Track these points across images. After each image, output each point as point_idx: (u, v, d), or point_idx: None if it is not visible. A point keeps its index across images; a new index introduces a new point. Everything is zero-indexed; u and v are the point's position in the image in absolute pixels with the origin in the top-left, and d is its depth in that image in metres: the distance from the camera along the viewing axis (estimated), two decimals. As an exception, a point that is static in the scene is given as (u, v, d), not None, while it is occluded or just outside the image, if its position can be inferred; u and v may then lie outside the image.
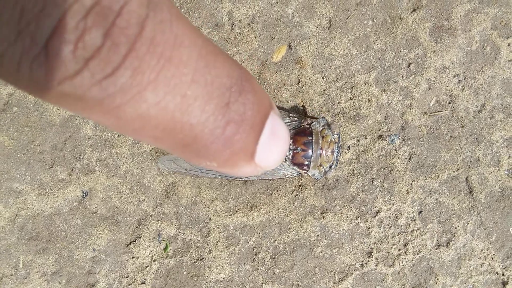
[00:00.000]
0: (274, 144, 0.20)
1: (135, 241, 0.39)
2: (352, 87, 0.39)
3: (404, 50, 0.39)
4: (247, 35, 0.39)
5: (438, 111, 0.40)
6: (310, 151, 0.35)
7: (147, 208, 0.40)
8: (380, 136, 0.39)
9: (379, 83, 0.39)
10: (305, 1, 0.39)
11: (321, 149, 0.36)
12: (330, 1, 0.39)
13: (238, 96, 0.17)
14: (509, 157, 0.40)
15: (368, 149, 0.39)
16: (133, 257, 0.39)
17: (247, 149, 0.19)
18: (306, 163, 0.36)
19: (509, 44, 0.40)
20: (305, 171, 0.36)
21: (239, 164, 0.19)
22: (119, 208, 0.40)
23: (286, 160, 0.36)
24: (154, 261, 0.39)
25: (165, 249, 0.38)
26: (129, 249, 0.39)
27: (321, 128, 0.35)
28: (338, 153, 0.36)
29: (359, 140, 0.39)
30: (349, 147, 0.39)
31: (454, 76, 0.39)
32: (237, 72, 0.17)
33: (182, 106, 0.16)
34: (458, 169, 0.39)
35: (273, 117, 0.18)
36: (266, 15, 0.39)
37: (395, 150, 0.39)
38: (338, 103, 0.39)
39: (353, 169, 0.39)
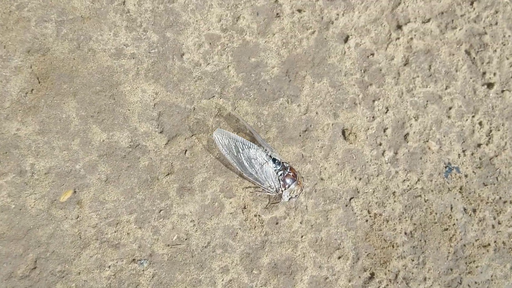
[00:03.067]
0: None
1: None
2: (117, 224, 0.57)
3: (158, 201, 0.58)
4: (43, 180, 0.55)
5: (177, 244, 0.58)
6: (295, 179, 0.57)
7: None
8: (133, 259, 0.57)
9: (137, 222, 0.57)
10: (90, 161, 0.57)
11: (298, 183, 0.57)
12: (108, 162, 0.57)
13: None
14: (222, 280, 0.59)
15: (123, 268, 0.56)
16: None
17: None
18: (289, 182, 0.56)
19: (230, 203, 0.60)
20: (283, 189, 0.57)
21: None
22: None
23: (278, 173, 0.57)
24: None
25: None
26: None
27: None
28: (302, 192, 0.58)
29: (117, 262, 0.56)
30: (109, 267, 0.56)
31: (191, 221, 0.59)
32: None
33: None
34: (185, 287, 0.58)
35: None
36: (59, 168, 0.56)
37: (143, 271, 0.57)
38: (106, 234, 0.56)
39: (110, 284, 0.56)
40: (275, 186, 0.58)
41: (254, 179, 0.59)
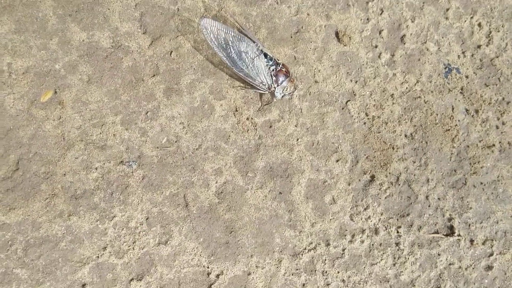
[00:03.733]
0: None
1: None
2: (102, 125, 0.54)
3: (144, 102, 0.56)
4: (21, 80, 0.53)
5: (167, 147, 0.56)
6: (288, 75, 0.54)
7: None
8: (121, 161, 0.54)
9: (123, 124, 0.55)
10: (70, 61, 0.54)
11: (291, 81, 0.55)
12: (89, 62, 0.55)
13: None
14: (216, 182, 0.56)
15: (111, 170, 0.54)
16: None
17: None
18: (282, 79, 0.54)
19: (221, 105, 0.58)
20: (275, 86, 0.54)
21: None
22: None
23: (270, 69, 0.54)
24: None
25: None
26: None
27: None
28: (295, 90, 0.56)
29: (104, 164, 0.54)
30: (96, 168, 0.53)
31: (180, 123, 0.56)
32: None
33: None
34: (178, 189, 0.55)
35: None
36: (38, 68, 0.53)
37: (132, 172, 0.54)
38: (91, 135, 0.54)
39: (98, 185, 0.53)
40: (267, 82, 0.56)
41: (245, 75, 0.56)
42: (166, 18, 0.58)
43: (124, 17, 0.56)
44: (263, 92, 0.57)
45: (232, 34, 0.54)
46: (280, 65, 0.56)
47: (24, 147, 0.52)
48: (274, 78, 0.55)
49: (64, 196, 0.52)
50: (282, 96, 0.56)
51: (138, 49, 0.56)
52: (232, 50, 0.55)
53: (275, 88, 0.55)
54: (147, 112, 0.55)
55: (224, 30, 0.54)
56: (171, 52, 0.57)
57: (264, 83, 0.56)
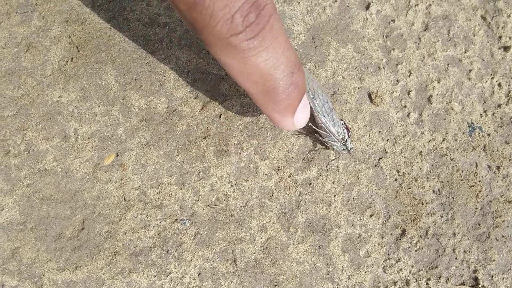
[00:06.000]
0: (303, 110, 0.41)
1: (-19, 290, 0.53)
2: (159, 185, 0.58)
3: (196, 163, 0.60)
4: (86, 145, 0.57)
5: (217, 205, 0.60)
6: (349, 131, 0.60)
7: (-5, 266, 0.54)
8: (176, 219, 0.58)
9: (178, 184, 0.59)
10: (130, 126, 0.58)
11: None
12: (148, 126, 0.59)
13: (297, 71, 0.37)
14: (261, 238, 0.60)
15: (167, 228, 0.58)
16: (-23, 303, 0.52)
17: (294, 105, 0.39)
18: (348, 133, 0.59)
19: (265, 164, 0.62)
20: (347, 137, 0.59)
21: (287, 115, 0.40)
22: (-28, 265, 0.53)
23: (341, 122, 0.60)
24: (-5, 306, 0.53)
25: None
26: (-25, 297, 0.52)
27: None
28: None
29: (161, 222, 0.58)
30: (153, 227, 0.58)
31: (229, 182, 0.61)
32: (296, 57, 0.38)
33: (275, 65, 0.37)
34: (227, 245, 0.59)
35: (306, 94, 0.43)
36: (102, 133, 0.57)
37: (186, 230, 0.58)
38: (149, 195, 0.58)
39: (155, 242, 0.57)
40: (341, 133, 0.61)
41: (325, 125, 0.60)
42: (215, 83, 0.62)
43: (178, 83, 0.61)
44: (334, 144, 0.61)
45: (318, 85, 0.60)
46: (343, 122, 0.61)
47: (89, 208, 0.56)
48: (345, 130, 0.60)
49: (125, 253, 0.56)
50: (350, 148, 0.61)
51: (191, 113, 0.61)
52: (320, 98, 0.60)
53: (346, 139, 0.60)
54: (199, 172, 0.60)
55: (314, 80, 0.60)
56: (220, 115, 0.61)
57: (339, 134, 0.60)
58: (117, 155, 0.58)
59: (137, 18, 0.61)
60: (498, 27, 0.70)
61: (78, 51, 0.58)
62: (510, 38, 0.71)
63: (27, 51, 0.58)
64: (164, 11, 0.62)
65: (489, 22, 0.70)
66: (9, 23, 0.58)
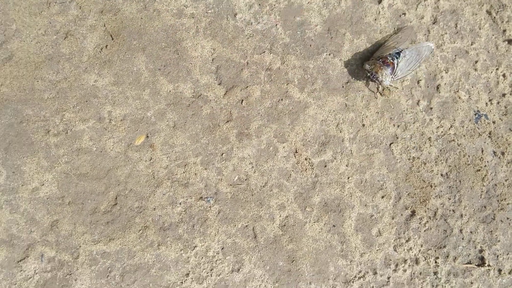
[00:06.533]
0: None
1: (24, 259, 0.57)
2: (185, 165, 0.63)
3: (220, 145, 0.64)
4: (119, 126, 0.61)
5: (238, 184, 0.64)
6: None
7: (35, 236, 0.58)
8: (201, 197, 0.62)
9: (203, 164, 0.63)
10: (159, 109, 0.63)
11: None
12: (175, 110, 0.63)
13: None
14: (280, 216, 0.65)
15: (192, 205, 0.62)
16: (21, 270, 0.57)
17: None
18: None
19: (283, 147, 0.66)
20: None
21: None
22: (16, 235, 0.58)
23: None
24: (36, 274, 0.57)
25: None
26: (19, 265, 0.57)
27: None
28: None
29: (187, 199, 0.62)
30: (180, 203, 0.62)
31: (250, 163, 0.65)
32: None
33: None
34: (248, 222, 0.63)
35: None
36: (133, 115, 0.62)
37: (210, 207, 0.62)
38: (176, 174, 0.62)
39: (181, 218, 0.62)
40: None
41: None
42: (237, 70, 0.67)
43: (203, 70, 0.65)
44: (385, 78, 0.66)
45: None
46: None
47: (121, 185, 0.60)
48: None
49: (154, 228, 0.60)
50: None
51: (215, 98, 0.65)
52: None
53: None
54: (222, 154, 0.64)
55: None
56: (242, 100, 0.66)
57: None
58: (147, 136, 0.62)
59: (166, 9, 0.65)
60: (502, 21, 0.74)
61: (112, 39, 0.62)
62: (514, 31, 0.74)
63: (65, 38, 0.62)
64: (191, 3, 0.66)
65: (494, 17, 0.74)
66: (49, 12, 0.63)
